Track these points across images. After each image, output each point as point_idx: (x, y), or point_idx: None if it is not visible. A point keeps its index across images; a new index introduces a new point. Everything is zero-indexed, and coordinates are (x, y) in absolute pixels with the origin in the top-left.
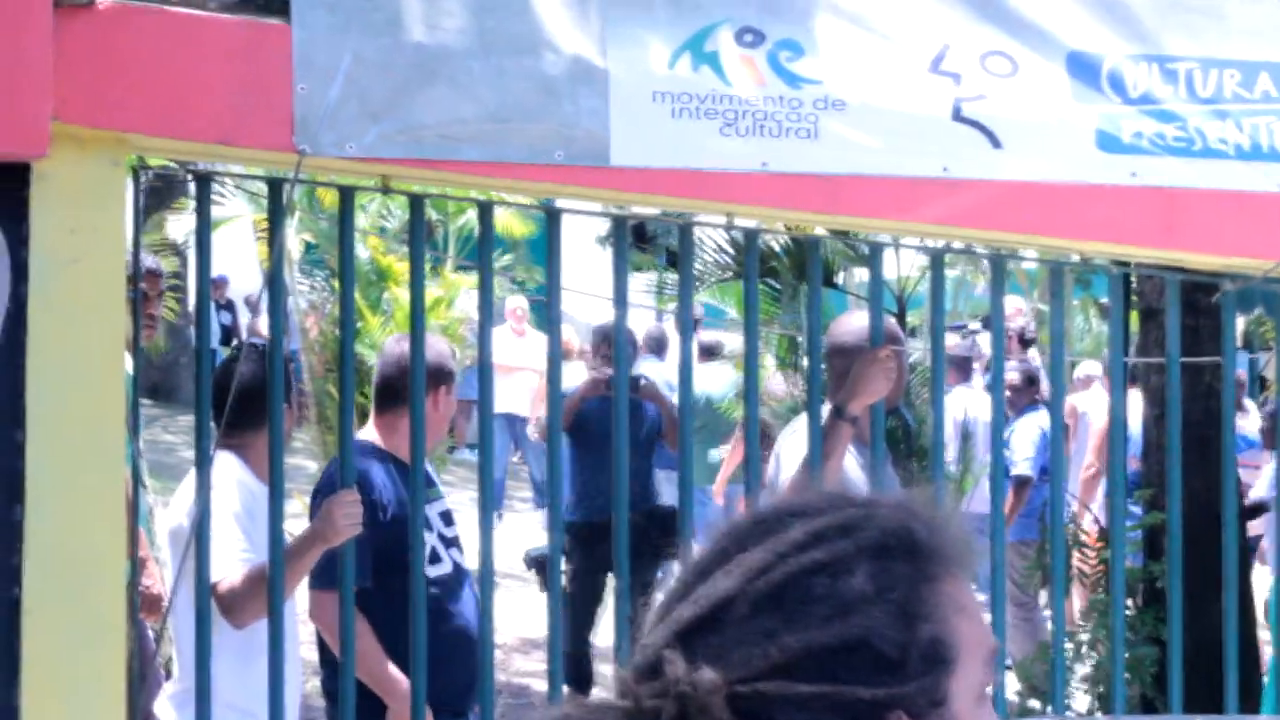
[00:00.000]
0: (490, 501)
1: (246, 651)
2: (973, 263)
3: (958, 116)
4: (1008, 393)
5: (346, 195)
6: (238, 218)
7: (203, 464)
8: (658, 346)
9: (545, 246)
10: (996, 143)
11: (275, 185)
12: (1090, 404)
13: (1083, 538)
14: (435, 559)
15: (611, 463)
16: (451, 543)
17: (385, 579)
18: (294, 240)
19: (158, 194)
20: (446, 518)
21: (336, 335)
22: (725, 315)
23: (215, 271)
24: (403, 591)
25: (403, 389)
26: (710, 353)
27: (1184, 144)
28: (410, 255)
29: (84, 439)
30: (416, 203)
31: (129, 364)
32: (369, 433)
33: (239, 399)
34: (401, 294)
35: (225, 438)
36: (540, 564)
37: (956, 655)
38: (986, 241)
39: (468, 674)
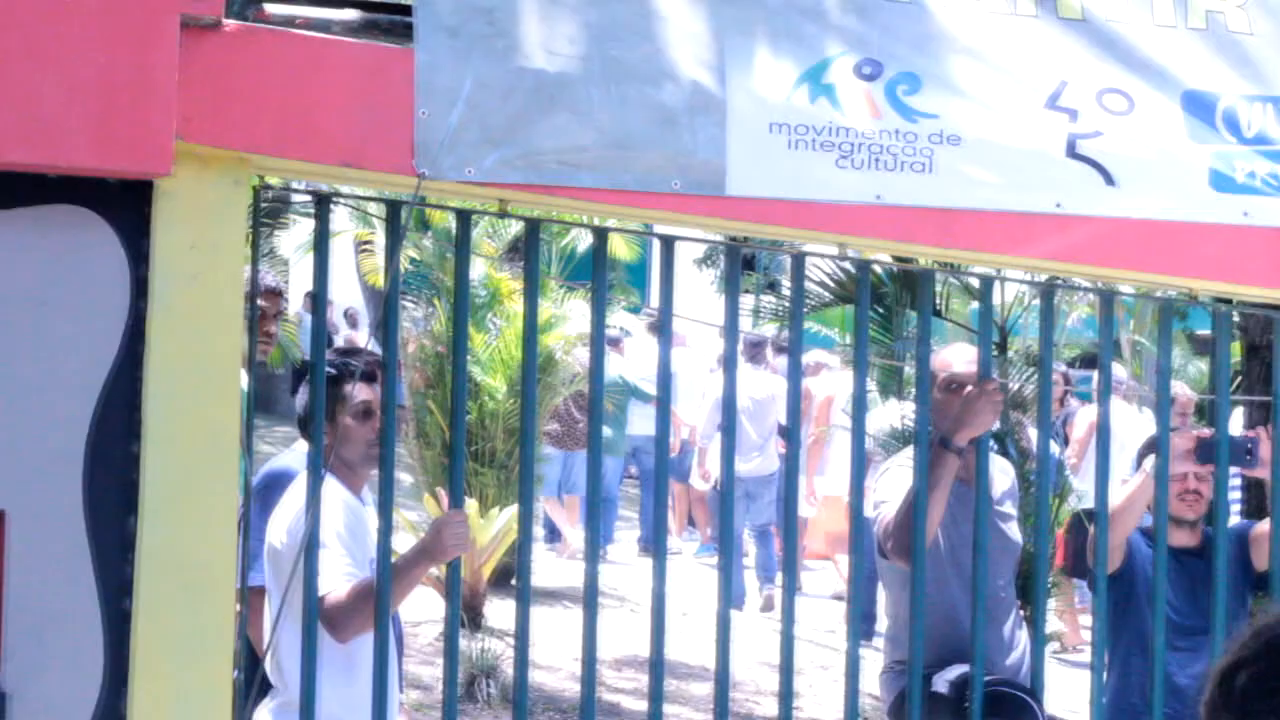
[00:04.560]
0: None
1: (346, 665)
2: (1068, 294)
3: (1072, 153)
4: None
5: (463, 218)
6: (340, 233)
7: (316, 483)
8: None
9: (644, 271)
10: (1110, 180)
11: (394, 207)
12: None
13: None
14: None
15: None
16: None
17: None
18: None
19: (266, 211)
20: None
21: (436, 351)
22: (824, 339)
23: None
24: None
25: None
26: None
27: None
28: (525, 277)
29: (200, 453)
30: (533, 227)
31: (245, 380)
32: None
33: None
34: (511, 309)
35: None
36: None
37: None
38: (1093, 276)
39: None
